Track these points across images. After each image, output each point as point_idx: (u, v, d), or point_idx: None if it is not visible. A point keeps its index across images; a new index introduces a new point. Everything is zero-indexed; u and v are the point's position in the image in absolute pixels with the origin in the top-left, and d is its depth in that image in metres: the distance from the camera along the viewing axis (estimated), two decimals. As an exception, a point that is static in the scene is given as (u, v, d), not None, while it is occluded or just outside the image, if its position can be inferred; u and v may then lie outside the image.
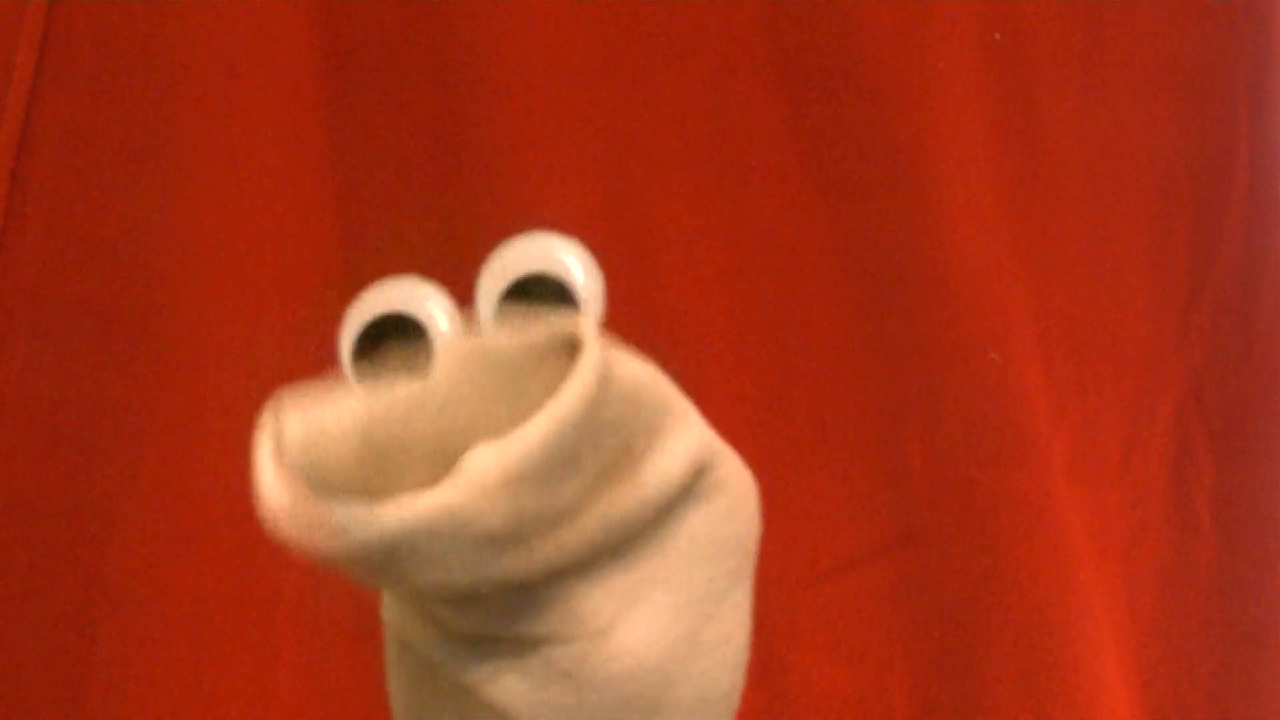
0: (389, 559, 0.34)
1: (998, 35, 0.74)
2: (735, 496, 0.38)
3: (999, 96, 0.75)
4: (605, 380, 0.34)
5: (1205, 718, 0.78)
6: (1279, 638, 0.79)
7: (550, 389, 0.34)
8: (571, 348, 0.35)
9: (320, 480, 0.35)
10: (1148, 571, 0.78)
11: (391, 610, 0.38)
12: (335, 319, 0.73)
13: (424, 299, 0.39)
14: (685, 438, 0.37)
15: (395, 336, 0.39)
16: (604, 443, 0.35)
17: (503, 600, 0.35)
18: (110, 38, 0.68)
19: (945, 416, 0.72)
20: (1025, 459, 0.72)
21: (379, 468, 0.35)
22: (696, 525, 0.37)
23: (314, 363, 0.73)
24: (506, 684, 0.36)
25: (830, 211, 0.72)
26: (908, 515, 0.73)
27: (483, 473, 0.34)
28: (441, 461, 0.34)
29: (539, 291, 0.39)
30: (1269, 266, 0.78)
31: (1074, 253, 0.76)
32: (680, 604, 0.37)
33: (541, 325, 0.36)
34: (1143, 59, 0.77)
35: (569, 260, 0.39)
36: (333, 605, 0.69)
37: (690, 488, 0.37)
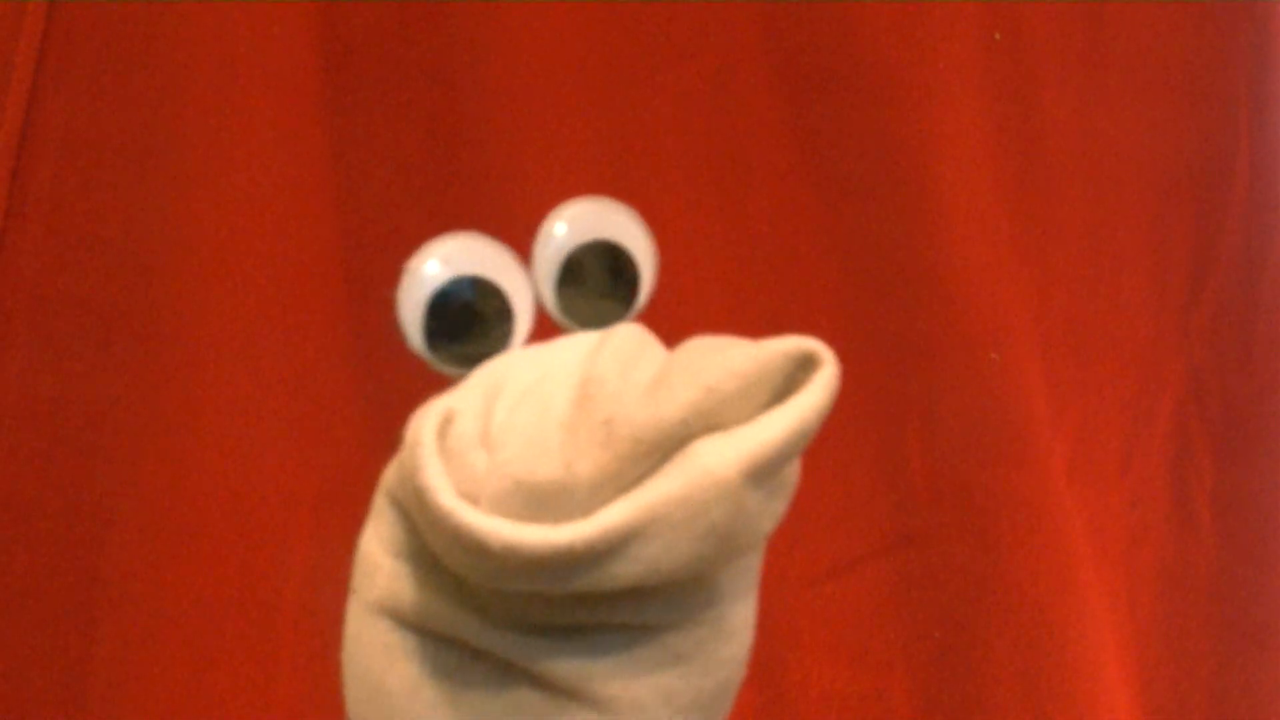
0: (609, 554, 0.34)
1: (998, 35, 0.74)
2: None
3: (999, 96, 0.75)
4: (833, 400, 0.35)
5: (1205, 718, 0.78)
6: (1279, 638, 0.79)
7: (760, 399, 0.35)
8: (797, 363, 0.35)
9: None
10: (1148, 571, 0.78)
11: (417, 598, 0.37)
12: (335, 319, 0.73)
13: (505, 268, 0.39)
14: None
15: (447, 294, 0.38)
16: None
17: (639, 593, 0.35)
18: (110, 38, 0.68)
19: (945, 416, 0.72)
20: (1025, 459, 0.72)
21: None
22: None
23: (314, 363, 0.73)
24: (601, 669, 0.36)
25: (830, 211, 0.72)
26: (908, 515, 0.73)
27: (720, 464, 0.34)
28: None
29: (591, 256, 0.39)
30: (1269, 266, 0.79)
31: (1074, 253, 0.76)
32: (755, 583, 0.38)
33: (763, 343, 0.36)
34: (1143, 59, 0.77)
35: (631, 229, 0.40)
36: (333, 605, 0.69)
37: None
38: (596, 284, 0.40)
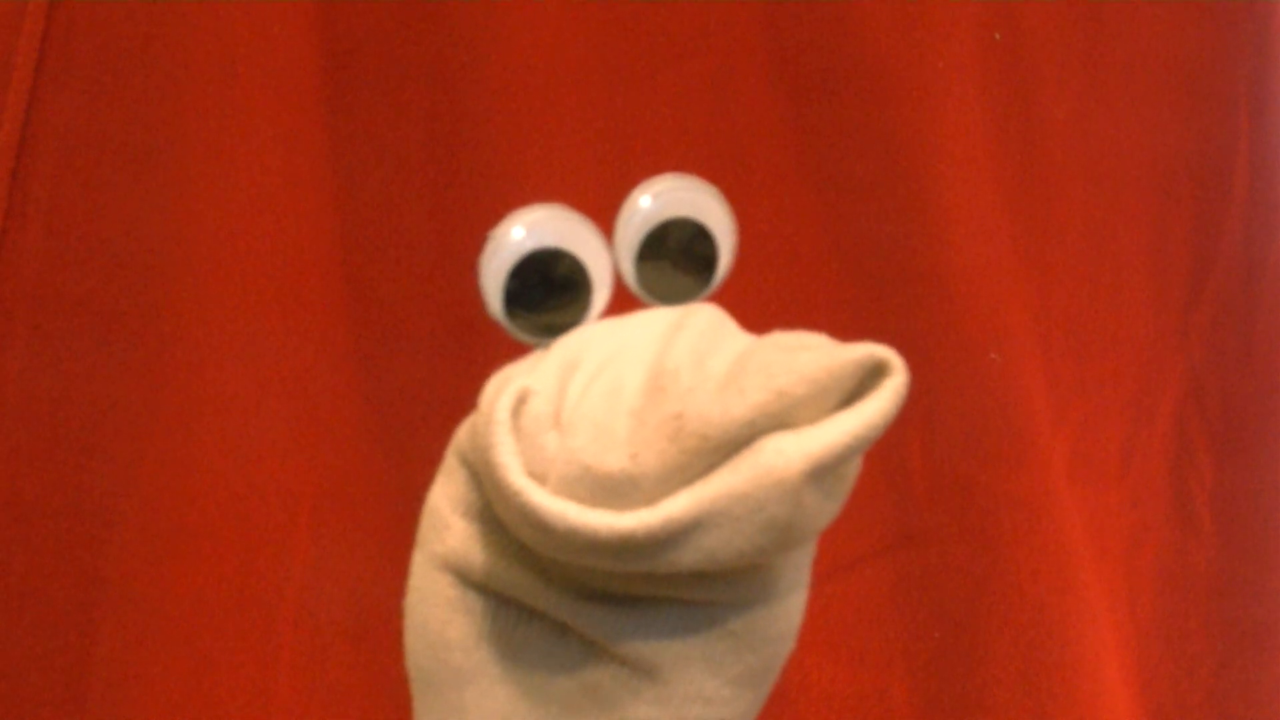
0: (669, 543, 0.35)
1: (998, 35, 0.74)
2: None
3: (999, 96, 0.75)
4: (900, 408, 0.36)
5: (1205, 718, 0.78)
6: (1279, 638, 0.79)
7: (830, 403, 0.36)
8: (869, 370, 0.36)
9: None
10: (1148, 571, 0.78)
11: (482, 558, 0.38)
12: (335, 319, 0.73)
13: (586, 240, 0.40)
14: None
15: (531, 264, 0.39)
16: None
17: (697, 575, 0.36)
18: (110, 38, 0.68)
19: (945, 416, 0.72)
20: (1025, 459, 0.72)
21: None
22: None
23: (314, 363, 0.73)
24: (659, 643, 0.37)
25: (830, 211, 0.72)
26: (908, 515, 0.73)
27: (784, 462, 0.35)
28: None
29: (673, 232, 0.40)
30: (1269, 266, 0.78)
31: (1074, 253, 0.76)
32: (809, 567, 0.40)
33: (838, 347, 0.37)
34: (1143, 59, 0.77)
35: (714, 207, 0.41)
36: (333, 605, 0.69)
37: None
38: (676, 260, 0.41)
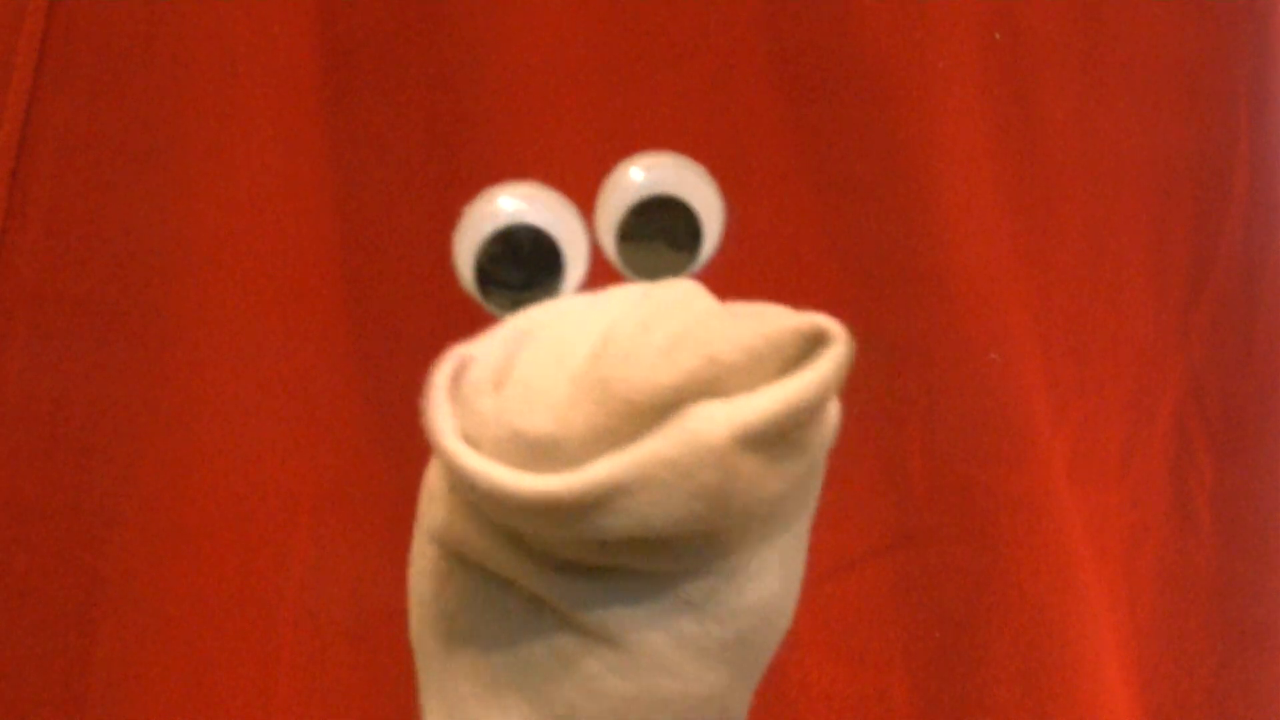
0: (596, 507, 0.34)
1: (998, 35, 0.74)
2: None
3: (999, 96, 0.75)
4: (840, 378, 0.36)
5: (1205, 718, 0.78)
6: (1279, 638, 0.79)
7: (768, 371, 0.36)
8: (809, 339, 0.36)
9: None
10: (1148, 571, 0.78)
11: (459, 528, 0.38)
12: (335, 319, 0.73)
13: (562, 216, 0.40)
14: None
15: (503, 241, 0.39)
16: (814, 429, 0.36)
17: (644, 542, 0.36)
18: (110, 38, 0.68)
19: (945, 416, 0.72)
20: (1025, 459, 0.72)
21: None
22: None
23: (314, 363, 0.73)
24: (619, 612, 0.37)
25: (830, 211, 0.72)
26: (908, 515, 0.73)
27: (711, 428, 0.34)
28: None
29: (657, 208, 0.40)
30: (1269, 266, 0.79)
31: (1074, 253, 0.76)
32: (792, 543, 0.39)
33: (783, 316, 0.37)
34: (1143, 59, 0.77)
35: (700, 185, 0.41)
36: (333, 605, 0.69)
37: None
38: (660, 237, 0.41)
